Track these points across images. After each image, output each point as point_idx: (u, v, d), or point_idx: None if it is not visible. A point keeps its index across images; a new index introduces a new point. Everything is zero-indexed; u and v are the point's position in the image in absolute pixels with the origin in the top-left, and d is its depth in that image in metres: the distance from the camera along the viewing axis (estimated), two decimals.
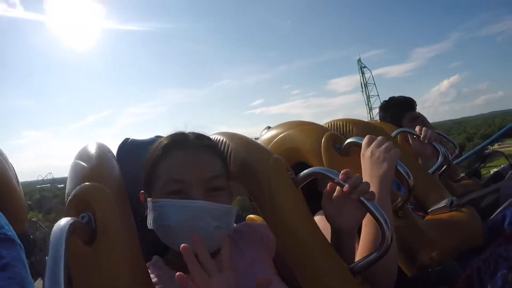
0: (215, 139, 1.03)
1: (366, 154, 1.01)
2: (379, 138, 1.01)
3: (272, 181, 0.87)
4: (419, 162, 1.52)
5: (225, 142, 1.00)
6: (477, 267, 1.03)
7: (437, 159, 1.44)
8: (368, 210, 0.81)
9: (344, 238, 0.89)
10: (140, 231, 0.85)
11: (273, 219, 0.88)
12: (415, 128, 1.99)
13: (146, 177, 0.87)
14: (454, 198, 1.20)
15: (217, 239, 0.75)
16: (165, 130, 0.93)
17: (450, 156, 1.63)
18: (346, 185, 0.81)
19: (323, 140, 1.12)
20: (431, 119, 2.21)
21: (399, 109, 2.07)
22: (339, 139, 1.15)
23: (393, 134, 1.61)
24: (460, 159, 3.21)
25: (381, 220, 0.79)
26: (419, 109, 2.14)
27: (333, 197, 0.86)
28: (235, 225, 0.96)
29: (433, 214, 1.21)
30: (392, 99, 2.15)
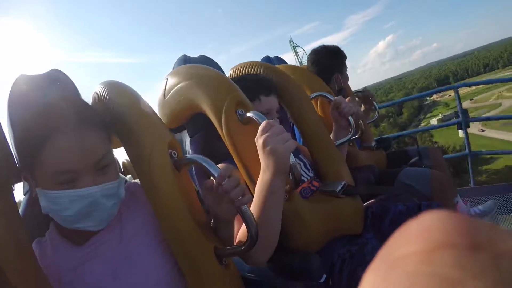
0: (101, 93, 0.90)
1: (259, 142, 0.94)
2: (274, 128, 0.93)
3: (153, 161, 0.83)
4: (333, 127, 1.50)
5: (110, 97, 0.88)
6: (342, 259, 1.08)
7: (349, 131, 1.44)
8: (238, 211, 0.81)
9: (221, 225, 0.90)
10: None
11: (149, 196, 0.86)
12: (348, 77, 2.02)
13: (26, 159, 0.78)
14: (345, 183, 1.21)
15: (113, 214, 0.81)
16: None
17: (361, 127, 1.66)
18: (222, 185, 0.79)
19: (226, 103, 1.04)
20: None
21: (342, 58, 2.02)
22: (243, 105, 1.06)
23: (311, 96, 1.58)
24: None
25: (249, 223, 0.80)
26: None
27: (213, 188, 0.82)
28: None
29: (322, 193, 1.22)
30: (329, 49, 2.03)
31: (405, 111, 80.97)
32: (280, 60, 2.21)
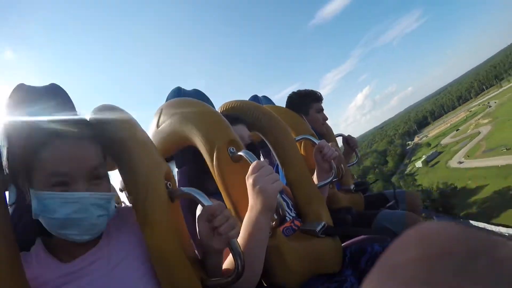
0: (99, 116, 0.94)
1: (249, 181, 1.01)
2: (264, 168, 0.99)
3: (149, 190, 0.87)
4: (316, 169, 1.57)
5: (110, 121, 0.93)
6: None
7: (330, 174, 1.52)
8: (227, 244, 0.85)
9: (211, 256, 0.92)
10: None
11: (141, 222, 0.88)
12: (320, 118, 2.24)
13: (24, 161, 0.81)
14: (324, 223, 1.27)
15: (100, 227, 0.83)
16: None
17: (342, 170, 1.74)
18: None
19: (219, 140, 1.09)
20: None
21: (306, 99, 2.25)
22: (235, 144, 1.12)
23: (296, 138, 1.66)
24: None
25: (236, 257, 0.84)
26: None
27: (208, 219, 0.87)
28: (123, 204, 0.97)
29: (303, 232, 1.27)
30: (300, 91, 2.31)
31: (389, 159, 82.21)
32: (267, 100, 2.30)
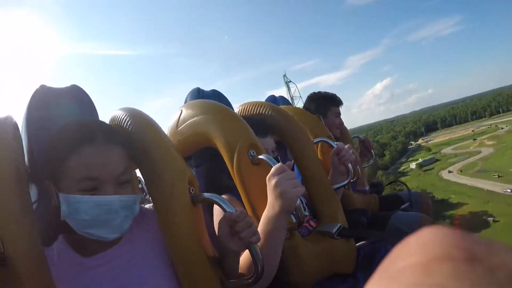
0: (121, 118, 0.97)
1: (270, 183, 1.03)
2: (288, 172, 1.02)
3: (174, 196, 0.90)
4: (331, 171, 1.59)
5: (132, 125, 0.95)
6: None
7: (347, 176, 1.53)
8: (248, 249, 0.88)
9: (229, 257, 0.94)
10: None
11: (164, 226, 0.91)
12: (336, 122, 2.23)
13: (52, 166, 0.86)
14: (340, 225, 1.30)
15: (125, 226, 0.88)
16: None
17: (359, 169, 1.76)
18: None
19: (240, 143, 1.12)
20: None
21: (326, 102, 2.24)
22: (255, 147, 1.14)
23: (314, 141, 1.68)
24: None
25: (256, 259, 0.87)
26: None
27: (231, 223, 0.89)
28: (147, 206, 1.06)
29: (319, 233, 1.30)
30: (320, 92, 2.31)
31: (387, 153, 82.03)
32: (284, 100, 2.31)
